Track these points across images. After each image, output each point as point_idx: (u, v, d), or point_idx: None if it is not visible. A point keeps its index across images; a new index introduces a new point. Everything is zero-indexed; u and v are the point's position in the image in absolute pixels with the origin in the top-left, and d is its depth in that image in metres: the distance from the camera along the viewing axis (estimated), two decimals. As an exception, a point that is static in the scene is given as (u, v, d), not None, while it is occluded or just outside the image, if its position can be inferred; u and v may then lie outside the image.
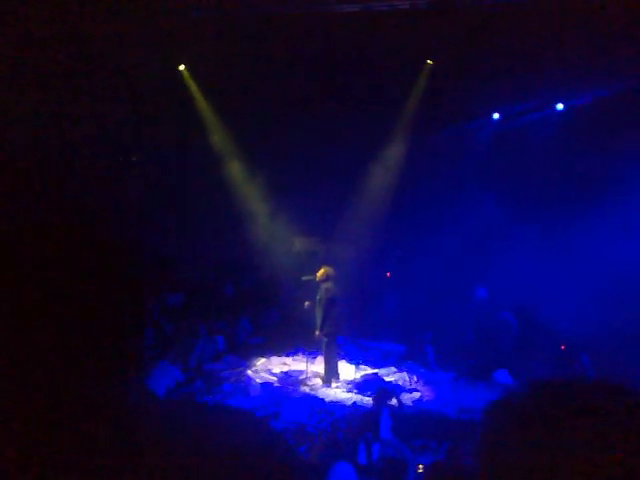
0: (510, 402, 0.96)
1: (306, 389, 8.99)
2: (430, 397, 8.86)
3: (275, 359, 10.37)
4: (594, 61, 9.19)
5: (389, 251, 13.37)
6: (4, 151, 9.09)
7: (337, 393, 8.91)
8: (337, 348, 9.66)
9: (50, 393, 0.88)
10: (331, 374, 9.25)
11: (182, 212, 13.33)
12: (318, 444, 6.73)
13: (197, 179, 12.85)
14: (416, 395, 8.89)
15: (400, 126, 12.78)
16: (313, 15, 8.44)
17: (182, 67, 11.42)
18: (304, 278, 9.75)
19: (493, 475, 0.92)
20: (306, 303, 9.55)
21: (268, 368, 9.92)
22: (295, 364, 10.14)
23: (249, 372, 9.63)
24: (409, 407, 8.21)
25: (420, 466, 5.71)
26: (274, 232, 13.31)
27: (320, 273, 9.29)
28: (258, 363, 10.12)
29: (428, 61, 10.78)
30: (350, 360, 10.39)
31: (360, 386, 9.04)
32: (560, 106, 11.81)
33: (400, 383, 9.32)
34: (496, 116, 12.80)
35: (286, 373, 9.65)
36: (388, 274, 13.54)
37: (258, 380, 9.27)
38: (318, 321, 9.10)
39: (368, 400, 7.81)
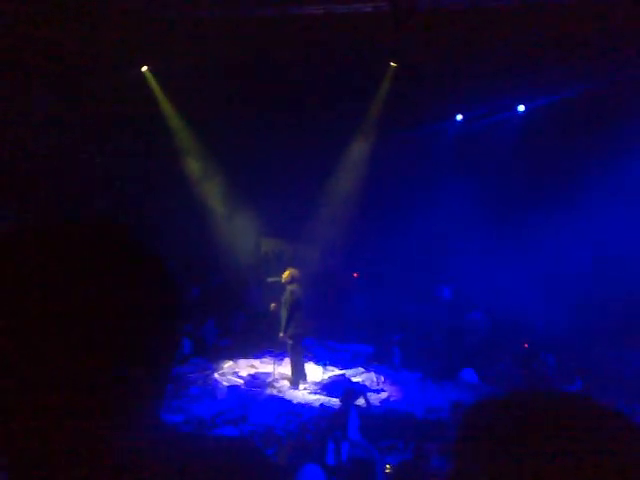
0: (485, 408, 0.97)
1: (273, 391, 8.97)
2: (397, 397, 8.94)
3: (242, 362, 10.31)
4: (554, 63, 9.38)
5: (357, 252, 13.42)
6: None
7: (305, 395, 8.91)
8: (303, 350, 9.66)
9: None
10: (298, 376, 9.24)
11: (144, 211, 13.10)
12: (286, 446, 6.71)
13: (159, 178, 12.65)
14: (383, 395, 8.96)
15: (365, 127, 12.84)
16: (277, 17, 8.43)
17: (145, 68, 11.28)
18: (270, 280, 9.74)
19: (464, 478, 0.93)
20: (272, 305, 9.53)
21: (235, 371, 9.86)
22: (262, 366, 10.10)
23: (216, 375, 9.55)
24: (376, 407, 8.26)
25: (388, 466, 5.75)
26: (238, 232, 13.23)
27: (285, 275, 9.29)
28: (225, 366, 10.05)
29: (392, 63, 10.83)
30: (318, 361, 10.41)
31: (328, 387, 9.05)
32: (521, 108, 12.02)
33: (367, 384, 9.37)
34: (459, 117, 12.97)
35: (253, 375, 9.61)
36: (355, 275, 13.59)
37: (225, 383, 9.20)
38: (283, 322, 9.11)
39: (336, 401, 7.83)
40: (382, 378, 9.66)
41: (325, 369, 10.07)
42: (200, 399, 8.45)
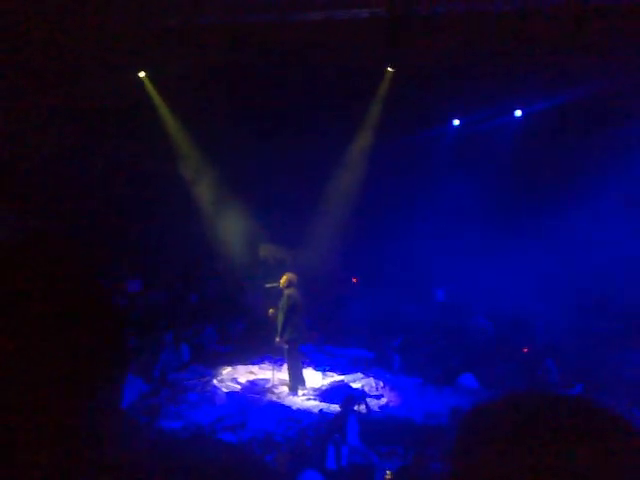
0: (484, 412, 0.96)
1: (272, 397, 8.94)
2: (397, 403, 8.90)
3: (241, 368, 10.28)
4: (550, 68, 9.40)
5: (356, 256, 13.41)
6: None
7: (303, 401, 8.88)
8: (301, 355, 9.63)
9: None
10: (297, 382, 9.21)
11: (144, 219, 13.08)
12: (285, 452, 6.69)
13: (157, 181, 12.60)
14: (383, 401, 8.93)
15: (364, 131, 12.85)
16: (276, 23, 8.45)
17: (142, 74, 11.30)
18: (268, 285, 9.73)
19: None
20: (270, 310, 9.52)
21: (234, 377, 9.83)
22: (261, 372, 10.07)
23: (215, 381, 9.53)
24: (376, 413, 8.23)
25: (387, 472, 5.73)
26: (236, 238, 13.18)
27: (283, 280, 9.29)
28: (224, 372, 10.02)
29: (389, 68, 10.87)
30: (317, 367, 10.37)
31: (327, 393, 9.02)
32: (518, 113, 12.05)
33: (367, 389, 9.33)
34: (456, 122, 12.99)
35: (252, 382, 9.58)
36: (354, 279, 13.57)
37: (224, 389, 9.18)
38: (279, 327, 9.09)
39: (335, 408, 7.80)
40: (381, 383, 9.63)
41: (324, 375, 10.04)
42: (199, 405, 8.44)
